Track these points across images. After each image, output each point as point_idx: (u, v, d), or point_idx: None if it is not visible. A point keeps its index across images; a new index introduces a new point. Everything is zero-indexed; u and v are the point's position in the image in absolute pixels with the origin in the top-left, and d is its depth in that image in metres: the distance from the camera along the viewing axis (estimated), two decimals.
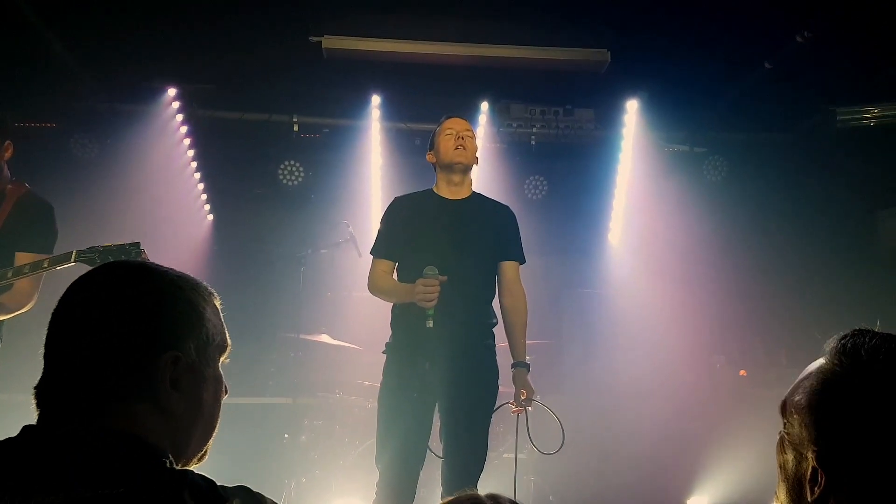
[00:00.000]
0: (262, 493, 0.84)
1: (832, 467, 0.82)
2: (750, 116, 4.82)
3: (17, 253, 2.42)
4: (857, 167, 4.63)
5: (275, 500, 0.84)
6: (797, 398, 0.89)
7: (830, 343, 0.88)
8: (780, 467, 0.90)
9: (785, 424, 0.90)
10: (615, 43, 3.99)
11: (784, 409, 0.91)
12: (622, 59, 4.05)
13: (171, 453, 0.83)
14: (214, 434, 0.94)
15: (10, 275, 2.30)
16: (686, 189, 4.76)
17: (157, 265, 0.95)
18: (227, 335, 0.96)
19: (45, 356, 0.86)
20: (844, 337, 0.88)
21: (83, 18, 3.68)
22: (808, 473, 0.84)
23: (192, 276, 0.95)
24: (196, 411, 0.89)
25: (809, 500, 0.83)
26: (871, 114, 4.62)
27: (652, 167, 4.85)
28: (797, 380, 0.91)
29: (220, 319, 0.95)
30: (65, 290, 0.89)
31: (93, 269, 0.92)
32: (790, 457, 0.88)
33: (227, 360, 0.96)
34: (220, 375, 0.94)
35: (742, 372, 4.49)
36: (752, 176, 4.90)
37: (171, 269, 0.94)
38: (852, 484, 0.81)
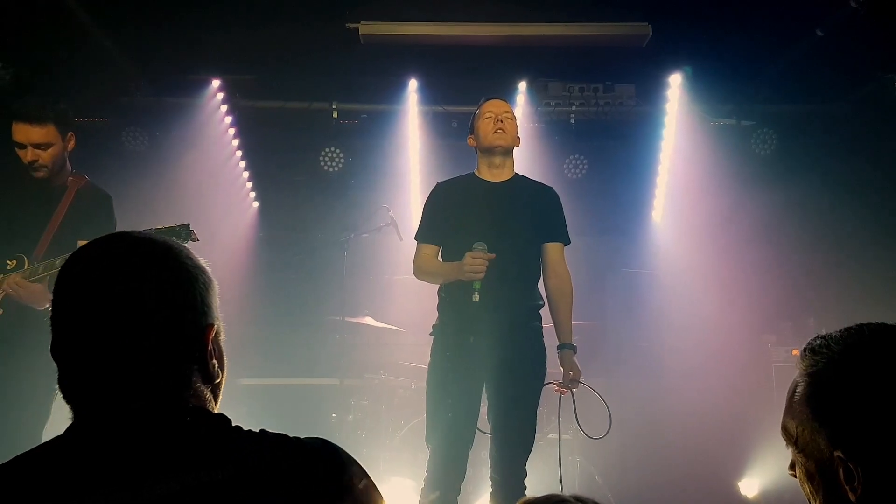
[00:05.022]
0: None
1: (863, 456, 0.78)
2: (800, 87, 4.60)
3: (78, 241, 2.54)
4: None
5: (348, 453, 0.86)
6: (796, 413, 0.85)
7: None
8: (811, 494, 0.85)
9: (795, 449, 0.86)
10: (656, 15, 3.86)
11: (786, 434, 0.87)
12: (664, 31, 3.92)
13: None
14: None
15: None
16: (733, 164, 4.59)
17: (149, 236, 0.90)
18: None
19: (76, 345, 0.81)
20: (804, 349, 0.87)
21: (130, 16, 3.79)
22: (842, 475, 0.79)
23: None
24: (223, 368, 0.92)
25: (854, 500, 0.79)
26: None
27: (697, 142, 4.69)
28: (785, 407, 0.88)
29: None
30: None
31: (89, 252, 0.86)
32: (814, 472, 0.83)
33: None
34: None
35: (794, 351, 4.36)
36: (803, 149, 4.69)
37: (148, 233, 0.91)
38: (890, 461, 0.77)
